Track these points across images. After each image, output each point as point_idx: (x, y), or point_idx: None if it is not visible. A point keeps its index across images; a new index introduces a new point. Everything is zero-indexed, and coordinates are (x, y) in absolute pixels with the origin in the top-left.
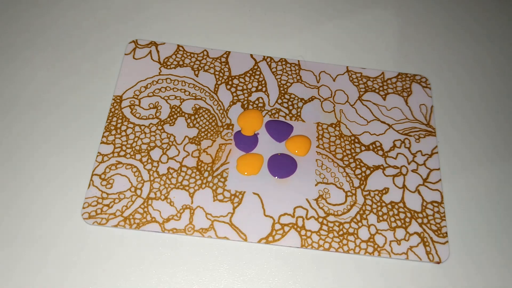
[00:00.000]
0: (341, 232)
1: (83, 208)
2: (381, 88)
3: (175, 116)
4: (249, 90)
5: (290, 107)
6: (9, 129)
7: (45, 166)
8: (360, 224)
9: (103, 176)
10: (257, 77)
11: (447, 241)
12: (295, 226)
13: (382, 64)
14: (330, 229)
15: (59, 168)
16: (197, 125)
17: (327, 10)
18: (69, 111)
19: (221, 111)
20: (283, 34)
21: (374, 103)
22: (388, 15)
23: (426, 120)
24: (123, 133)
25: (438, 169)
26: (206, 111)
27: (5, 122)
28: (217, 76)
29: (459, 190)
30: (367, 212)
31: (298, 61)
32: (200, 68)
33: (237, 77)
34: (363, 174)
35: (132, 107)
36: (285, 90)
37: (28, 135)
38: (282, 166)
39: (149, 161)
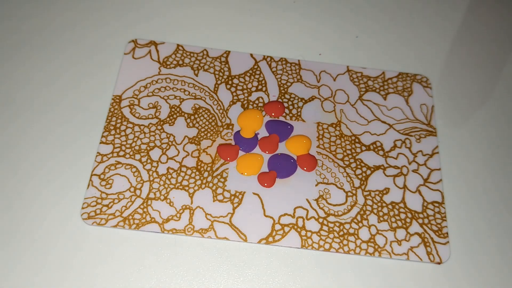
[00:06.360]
0: (341, 233)
1: (82, 208)
2: (381, 88)
3: (174, 116)
4: (249, 90)
5: (290, 107)
6: (8, 129)
7: (44, 166)
8: (360, 224)
9: (102, 176)
10: (257, 76)
11: (447, 242)
12: (295, 227)
13: (383, 64)
14: (331, 229)
15: (58, 168)
16: (196, 125)
17: (327, 10)
18: (68, 111)
19: (221, 111)
20: (283, 33)
21: (374, 103)
22: (389, 15)
23: (426, 120)
24: (123, 133)
25: (439, 169)
26: (206, 111)
27: (3, 121)
28: (217, 76)
29: (460, 190)
30: (367, 212)
31: (299, 60)
32: (199, 67)
33: (237, 76)
34: (364, 174)
35: (131, 107)
36: (285, 89)
37: (27, 135)
38: (282, 166)
39: (149, 161)
